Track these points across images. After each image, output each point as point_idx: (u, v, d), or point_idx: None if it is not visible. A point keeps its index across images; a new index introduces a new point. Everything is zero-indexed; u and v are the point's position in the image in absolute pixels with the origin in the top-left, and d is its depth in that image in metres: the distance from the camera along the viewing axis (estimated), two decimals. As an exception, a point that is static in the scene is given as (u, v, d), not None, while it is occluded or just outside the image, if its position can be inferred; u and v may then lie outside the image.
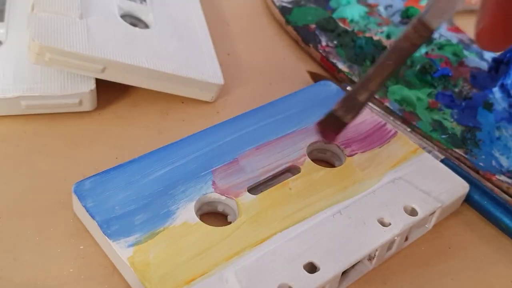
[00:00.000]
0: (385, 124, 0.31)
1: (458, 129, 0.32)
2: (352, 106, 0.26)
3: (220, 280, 0.22)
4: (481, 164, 0.31)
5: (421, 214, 0.26)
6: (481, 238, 0.28)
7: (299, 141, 0.29)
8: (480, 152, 0.31)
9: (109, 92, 0.31)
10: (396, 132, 0.30)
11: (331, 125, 0.27)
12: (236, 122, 0.29)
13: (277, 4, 0.40)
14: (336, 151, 0.29)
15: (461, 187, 0.28)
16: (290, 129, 0.29)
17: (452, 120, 0.33)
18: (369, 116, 0.31)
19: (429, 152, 0.30)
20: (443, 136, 0.32)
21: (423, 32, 0.23)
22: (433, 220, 0.27)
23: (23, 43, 0.30)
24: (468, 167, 0.31)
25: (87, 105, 0.30)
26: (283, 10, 0.39)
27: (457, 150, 0.31)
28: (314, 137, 0.29)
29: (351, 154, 0.29)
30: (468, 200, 0.29)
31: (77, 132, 0.29)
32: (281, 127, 0.29)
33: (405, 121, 0.32)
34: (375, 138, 0.30)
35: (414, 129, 0.32)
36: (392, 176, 0.28)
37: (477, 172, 0.30)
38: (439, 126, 0.32)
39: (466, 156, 0.31)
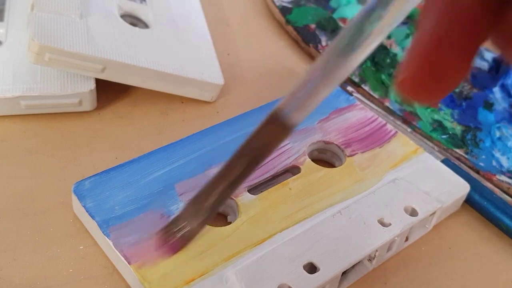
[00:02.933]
0: (385, 124, 0.30)
1: (458, 129, 0.32)
2: (198, 212, 0.22)
3: (220, 280, 0.22)
4: (481, 164, 0.31)
5: (421, 214, 0.26)
6: (481, 238, 0.28)
7: (299, 141, 0.29)
8: (481, 152, 0.31)
9: (108, 91, 0.31)
10: (396, 132, 0.30)
11: (177, 233, 0.22)
12: (236, 122, 0.29)
13: (277, 4, 0.40)
14: (336, 151, 0.29)
15: (461, 187, 0.28)
16: None
17: (452, 120, 0.33)
18: (369, 116, 0.31)
19: (430, 153, 0.30)
20: (444, 136, 0.32)
21: (279, 131, 0.18)
22: (434, 220, 0.27)
23: (22, 43, 0.30)
24: (469, 167, 0.31)
25: (87, 105, 0.30)
26: (283, 10, 0.39)
27: (457, 150, 0.31)
28: (314, 137, 0.29)
29: (351, 154, 0.29)
30: (468, 200, 0.29)
31: (77, 132, 0.29)
32: None
33: (406, 121, 0.32)
34: (375, 138, 0.30)
35: (415, 129, 0.32)
36: (393, 176, 0.28)
37: (478, 172, 0.30)
38: (439, 126, 0.32)
39: (466, 156, 0.31)
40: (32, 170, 0.27)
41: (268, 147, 0.19)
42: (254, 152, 0.19)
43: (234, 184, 0.20)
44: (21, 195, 0.26)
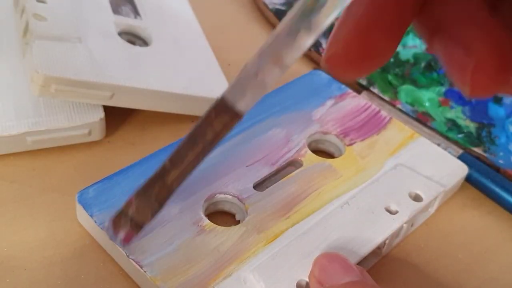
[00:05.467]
0: (379, 111, 0.31)
1: (472, 127, 0.32)
2: (146, 204, 0.20)
3: (238, 281, 0.22)
4: (500, 161, 0.30)
5: (426, 199, 0.26)
6: (482, 215, 0.29)
7: (297, 134, 0.29)
8: (498, 149, 0.31)
9: (115, 117, 0.29)
10: (391, 118, 0.30)
11: (127, 224, 0.21)
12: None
13: (270, 7, 0.39)
14: (335, 142, 0.29)
15: (460, 169, 0.28)
16: (287, 121, 0.29)
17: (465, 117, 0.33)
18: (363, 104, 0.31)
19: (445, 148, 0.30)
20: (460, 136, 0.31)
21: (229, 119, 0.17)
22: (436, 204, 0.28)
23: (18, 73, 0.28)
24: (488, 165, 0.30)
25: (97, 135, 0.28)
26: (278, 14, 0.38)
27: (475, 149, 0.31)
28: (312, 128, 0.29)
29: (351, 143, 0.29)
30: (468, 179, 0.29)
31: (88, 164, 0.28)
32: (278, 121, 0.29)
33: (421, 122, 0.32)
34: (371, 126, 0.30)
35: (432, 130, 0.32)
36: (393, 163, 0.28)
37: (498, 170, 0.30)
38: (453, 125, 0.32)
39: (485, 154, 0.31)
40: (50, 211, 0.25)
41: (219, 136, 0.18)
42: (204, 142, 0.18)
43: (184, 174, 0.19)
44: (44, 241, 0.24)
